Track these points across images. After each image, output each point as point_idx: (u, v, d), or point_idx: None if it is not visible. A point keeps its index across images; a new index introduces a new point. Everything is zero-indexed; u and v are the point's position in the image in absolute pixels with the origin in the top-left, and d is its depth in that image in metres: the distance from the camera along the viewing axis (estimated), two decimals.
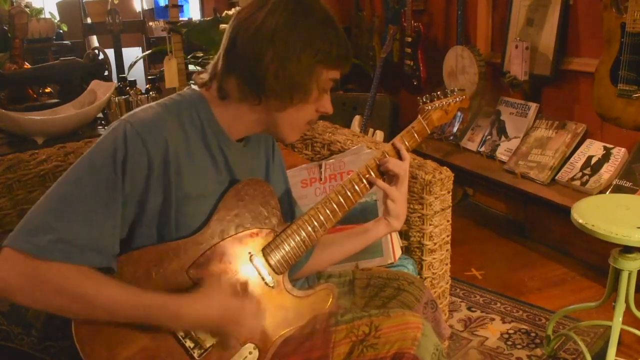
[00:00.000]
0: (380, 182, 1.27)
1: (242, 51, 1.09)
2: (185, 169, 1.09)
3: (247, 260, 1.16)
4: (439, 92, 1.38)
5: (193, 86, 1.21)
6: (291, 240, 1.20)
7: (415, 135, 1.32)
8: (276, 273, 1.18)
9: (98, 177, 1.02)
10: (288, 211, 1.35)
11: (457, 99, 1.41)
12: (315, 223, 1.22)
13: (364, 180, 1.26)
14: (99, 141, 1.07)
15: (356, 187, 1.25)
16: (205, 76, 1.17)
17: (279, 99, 1.10)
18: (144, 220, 1.08)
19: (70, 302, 0.99)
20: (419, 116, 1.34)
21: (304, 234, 1.21)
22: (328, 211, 1.23)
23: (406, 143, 1.30)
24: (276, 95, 1.10)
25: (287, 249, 1.19)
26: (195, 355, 1.09)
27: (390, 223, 1.33)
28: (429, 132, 1.35)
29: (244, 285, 1.15)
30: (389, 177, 1.28)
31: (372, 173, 1.27)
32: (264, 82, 1.08)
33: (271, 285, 1.17)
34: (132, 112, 1.11)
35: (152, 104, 1.13)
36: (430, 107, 1.35)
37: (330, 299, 1.25)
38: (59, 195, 1.02)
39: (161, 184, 1.07)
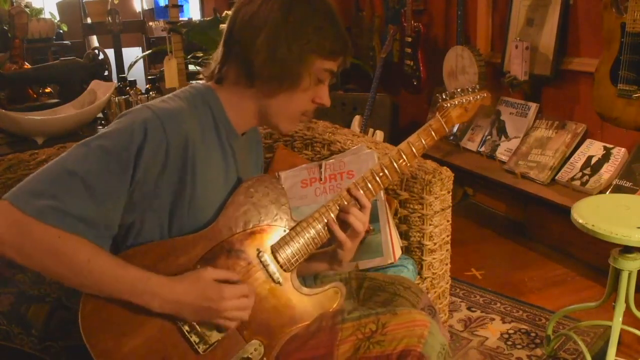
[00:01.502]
0: (338, 231, 1.22)
1: (237, 36, 1.12)
2: (200, 161, 1.10)
3: (255, 257, 1.16)
4: (459, 89, 1.32)
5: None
6: (300, 238, 1.20)
7: (433, 133, 1.28)
8: (284, 270, 1.19)
9: (110, 157, 1.03)
10: None
11: (478, 97, 1.35)
12: (326, 221, 1.21)
13: (378, 178, 1.25)
14: (117, 122, 1.07)
15: (369, 185, 1.24)
16: (210, 68, 1.19)
17: (269, 83, 1.12)
18: (155, 209, 1.09)
19: (59, 265, 1.00)
20: (437, 114, 1.30)
21: (313, 231, 1.21)
22: (339, 209, 1.23)
23: (423, 141, 1.28)
24: (265, 80, 1.11)
25: (296, 247, 1.19)
26: (200, 350, 1.09)
27: (332, 265, 1.31)
28: (447, 130, 1.30)
29: (251, 282, 1.15)
30: (345, 225, 1.23)
31: (388, 172, 1.25)
32: (254, 67, 1.10)
33: (279, 282, 1.18)
34: (152, 101, 1.12)
35: (170, 95, 1.15)
36: (449, 104, 1.30)
37: (339, 298, 1.25)
38: (67, 167, 1.02)
39: (176, 174, 1.08)
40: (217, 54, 1.17)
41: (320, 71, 1.14)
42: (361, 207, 1.22)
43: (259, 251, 1.16)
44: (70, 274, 1.01)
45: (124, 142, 1.03)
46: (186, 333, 1.08)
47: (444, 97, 1.31)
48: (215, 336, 1.10)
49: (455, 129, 3.51)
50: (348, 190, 1.23)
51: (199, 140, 1.10)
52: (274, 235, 1.19)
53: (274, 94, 1.13)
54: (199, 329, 1.09)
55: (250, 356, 1.13)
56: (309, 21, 1.10)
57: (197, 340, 1.09)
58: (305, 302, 1.21)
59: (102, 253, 1.03)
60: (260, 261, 1.16)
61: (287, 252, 1.18)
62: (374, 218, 1.64)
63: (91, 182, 1.01)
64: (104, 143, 1.04)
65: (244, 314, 1.11)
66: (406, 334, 1.14)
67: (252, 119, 1.20)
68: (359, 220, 1.22)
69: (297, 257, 1.19)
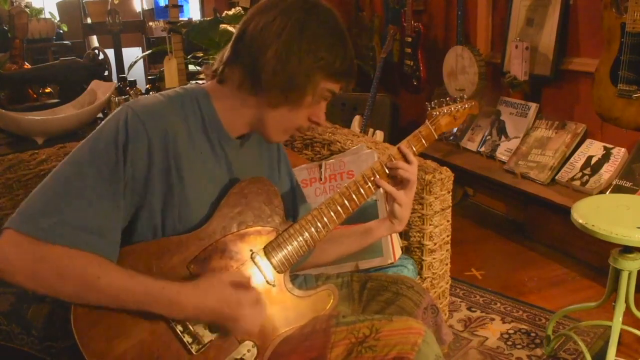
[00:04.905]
0: (388, 186, 1.26)
1: (248, 43, 1.11)
2: (186, 160, 1.10)
3: (248, 257, 1.16)
4: (447, 98, 1.39)
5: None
6: (294, 240, 1.20)
7: (423, 140, 1.32)
8: (277, 272, 1.18)
9: (100, 161, 1.03)
10: (291, 210, 1.36)
11: (467, 106, 1.41)
12: (319, 224, 1.22)
13: (369, 183, 1.26)
14: (100, 126, 1.08)
15: (361, 189, 1.25)
16: (213, 66, 1.19)
17: (273, 95, 1.11)
18: (147, 209, 1.08)
19: (70, 285, 0.99)
20: (427, 121, 1.34)
21: (306, 234, 1.21)
22: (332, 212, 1.23)
23: (413, 147, 1.30)
24: (271, 91, 1.11)
25: (289, 249, 1.19)
26: (193, 350, 1.09)
27: (394, 225, 1.33)
28: (436, 137, 1.35)
29: (245, 283, 1.15)
30: (396, 181, 1.28)
31: (379, 176, 1.27)
32: (262, 75, 1.10)
33: (272, 284, 1.18)
34: (135, 99, 1.12)
35: (157, 94, 1.15)
36: (438, 112, 1.35)
37: (332, 300, 1.25)
38: (61, 179, 1.03)
39: (162, 172, 1.08)
40: (223, 54, 1.17)
41: (323, 91, 1.15)
42: (409, 163, 1.27)
43: (252, 252, 1.16)
44: (84, 291, 1.00)
45: (110, 144, 1.04)
46: (179, 333, 1.08)
47: (432, 105, 1.36)
48: (208, 336, 1.10)
49: (455, 129, 3.51)
50: (399, 148, 1.28)
51: (184, 138, 1.10)
52: (267, 237, 1.19)
53: (277, 106, 1.13)
54: (192, 329, 1.08)
55: (243, 357, 1.13)
56: (322, 39, 1.11)
57: (190, 340, 1.08)
58: (298, 304, 1.21)
59: (112, 267, 1.03)
60: (254, 262, 1.16)
61: (280, 254, 1.18)
62: (374, 218, 1.64)
63: (87, 190, 1.02)
64: (92, 149, 1.05)
65: (254, 326, 1.11)
66: (400, 341, 1.13)
67: (247, 124, 1.19)
68: (407, 170, 1.26)
69: (290, 258, 1.19)
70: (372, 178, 1.26)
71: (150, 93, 2.89)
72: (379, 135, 3.61)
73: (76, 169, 1.04)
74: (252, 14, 1.14)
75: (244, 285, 1.11)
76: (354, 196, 1.25)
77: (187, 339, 1.08)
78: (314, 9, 1.12)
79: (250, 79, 1.12)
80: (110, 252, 1.04)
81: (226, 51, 1.16)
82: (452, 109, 1.38)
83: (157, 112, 1.08)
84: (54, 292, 1.01)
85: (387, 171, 1.28)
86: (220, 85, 1.16)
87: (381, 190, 1.53)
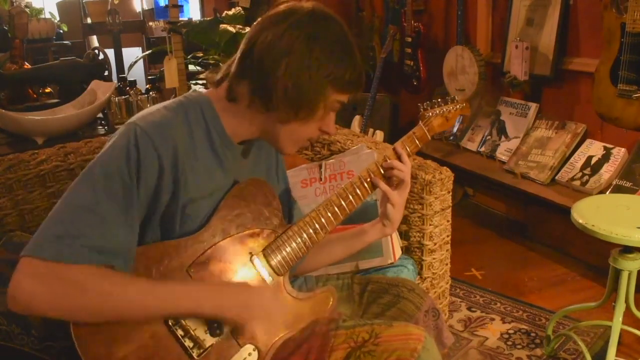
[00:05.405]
0: (383, 185, 1.27)
1: (257, 59, 1.09)
2: (192, 170, 1.09)
3: (247, 260, 1.16)
4: (439, 99, 1.39)
5: (199, 87, 1.21)
6: (292, 242, 1.20)
7: (417, 140, 1.32)
8: (276, 274, 1.18)
9: (113, 183, 1.02)
10: (287, 214, 1.36)
11: (458, 107, 1.41)
12: (317, 225, 1.22)
13: (366, 184, 1.26)
14: (110, 146, 1.07)
15: (357, 190, 1.25)
16: (217, 75, 1.18)
17: (285, 111, 1.11)
18: (151, 220, 1.08)
19: (98, 303, 0.99)
20: (420, 122, 1.35)
21: (305, 235, 1.21)
22: (329, 213, 1.23)
23: (407, 148, 1.30)
24: (282, 108, 1.10)
25: (288, 250, 1.19)
26: (194, 354, 1.08)
27: (385, 228, 1.34)
28: (430, 138, 1.35)
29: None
30: (391, 181, 1.29)
31: (374, 176, 1.27)
32: (273, 93, 1.09)
33: (272, 286, 1.17)
34: (139, 115, 1.10)
35: (159, 106, 1.13)
36: (431, 113, 1.36)
37: (331, 302, 1.24)
38: (75, 203, 1.02)
39: (170, 186, 1.07)
40: (230, 66, 1.15)
41: (333, 102, 1.14)
42: (403, 163, 1.29)
43: (251, 254, 1.16)
44: (112, 309, 1.00)
45: (122, 164, 1.03)
46: (180, 337, 1.07)
47: (425, 106, 1.37)
48: (209, 340, 1.09)
49: (455, 129, 3.50)
50: (394, 149, 1.29)
51: (189, 147, 1.09)
52: (266, 239, 1.19)
53: (288, 121, 1.13)
54: (193, 334, 1.08)
55: None
56: (332, 53, 1.10)
57: (191, 345, 1.08)
58: (297, 306, 1.21)
59: (133, 279, 1.03)
60: (253, 264, 1.16)
61: (279, 256, 1.18)
62: (374, 218, 1.64)
63: (104, 211, 1.01)
64: (105, 170, 1.04)
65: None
66: (399, 346, 1.13)
67: (253, 133, 1.19)
68: (402, 170, 1.27)
69: (289, 260, 1.19)
70: (368, 179, 1.27)
71: (151, 93, 2.88)
72: (379, 135, 3.61)
73: (90, 191, 1.02)
74: (259, 28, 1.12)
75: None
76: (350, 197, 1.25)
77: (188, 343, 1.08)
78: (322, 23, 1.11)
79: (259, 97, 1.11)
80: (128, 268, 1.04)
81: (233, 65, 1.14)
82: (444, 110, 1.38)
83: (165, 128, 1.07)
84: (84, 315, 0.99)
85: (382, 172, 1.28)
86: (228, 102, 1.15)
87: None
